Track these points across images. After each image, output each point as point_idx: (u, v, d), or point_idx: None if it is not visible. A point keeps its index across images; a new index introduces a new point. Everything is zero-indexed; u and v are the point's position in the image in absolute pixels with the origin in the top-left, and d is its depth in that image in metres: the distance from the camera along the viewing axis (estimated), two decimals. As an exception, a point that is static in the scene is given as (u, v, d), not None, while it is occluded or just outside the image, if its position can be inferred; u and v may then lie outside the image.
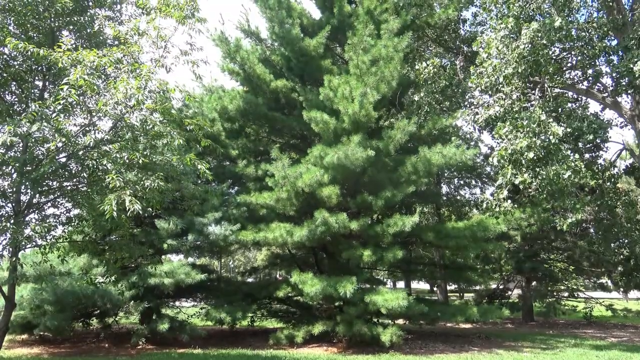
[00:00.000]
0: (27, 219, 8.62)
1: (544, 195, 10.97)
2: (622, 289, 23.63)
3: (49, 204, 9.17)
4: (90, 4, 9.55)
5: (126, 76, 7.42)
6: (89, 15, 9.49)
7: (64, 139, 7.20)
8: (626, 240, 18.15)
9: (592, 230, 20.10)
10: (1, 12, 8.36)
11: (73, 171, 8.59)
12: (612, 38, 12.26)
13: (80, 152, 7.83)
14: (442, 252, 21.63)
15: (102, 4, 9.65)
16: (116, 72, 7.71)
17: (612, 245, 19.22)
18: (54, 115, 7.21)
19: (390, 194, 12.90)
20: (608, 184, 13.24)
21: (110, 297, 12.45)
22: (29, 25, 8.68)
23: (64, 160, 8.26)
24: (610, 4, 11.89)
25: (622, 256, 19.81)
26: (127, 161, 7.49)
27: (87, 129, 8.04)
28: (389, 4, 14.57)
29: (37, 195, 8.62)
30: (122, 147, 7.52)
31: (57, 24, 9.08)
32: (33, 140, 7.23)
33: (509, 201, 11.18)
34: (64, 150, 7.90)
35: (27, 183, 7.90)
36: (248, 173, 15.07)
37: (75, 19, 9.23)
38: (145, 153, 7.69)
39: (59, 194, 8.99)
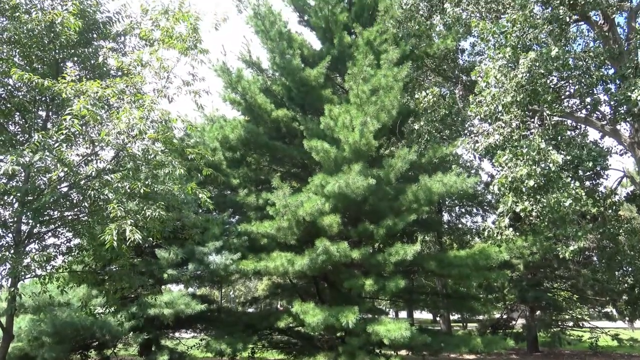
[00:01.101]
0: (27, 249, 8.60)
1: (546, 223, 10.93)
2: (627, 319, 23.28)
3: (50, 234, 9.16)
4: (95, 36, 9.72)
5: (129, 106, 7.50)
6: (93, 47, 9.66)
7: (65, 169, 7.24)
8: (630, 269, 17.98)
9: (595, 259, 19.94)
10: (7, 44, 8.51)
11: (74, 201, 8.61)
12: (609, 67, 12.38)
13: (82, 182, 7.86)
14: (444, 281, 21.41)
15: (107, 36, 9.82)
16: (119, 102, 7.80)
17: (616, 273, 19.04)
18: (57, 145, 7.26)
19: (391, 222, 12.86)
20: (609, 211, 13.20)
21: (110, 328, 12.31)
22: (33, 57, 8.82)
23: (65, 189, 8.28)
24: (606, 34, 12.06)
25: (626, 284, 19.59)
26: (129, 191, 7.51)
27: (89, 158, 8.09)
28: (388, 34, 14.79)
29: (38, 225, 8.62)
30: (124, 176, 7.56)
31: (61, 56, 9.22)
32: (35, 170, 7.26)
33: (511, 229, 11.12)
34: (65, 180, 7.94)
35: (29, 213, 7.91)
36: (249, 202, 15.07)
37: (80, 50, 9.39)
38: (146, 182, 7.72)
39: (59, 223, 8.99)
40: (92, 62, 9.53)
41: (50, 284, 9.16)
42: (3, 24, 8.48)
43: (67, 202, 8.51)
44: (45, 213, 8.37)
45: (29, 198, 7.89)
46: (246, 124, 15.36)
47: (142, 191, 7.50)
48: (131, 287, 10.22)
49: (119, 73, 9.13)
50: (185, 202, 10.26)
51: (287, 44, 15.28)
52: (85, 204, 8.51)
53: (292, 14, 17.66)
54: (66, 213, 8.91)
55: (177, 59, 8.61)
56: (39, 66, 8.97)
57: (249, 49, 17.00)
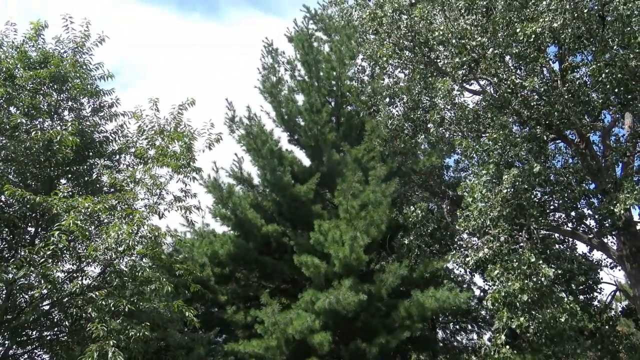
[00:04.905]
0: (-1, 373, 8.12)
1: (543, 340, 10.62)
2: None
3: (26, 356, 8.70)
4: (91, 154, 10.00)
5: (119, 222, 7.52)
6: (88, 164, 9.88)
7: (49, 286, 7.07)
8: (636, 389, 17.14)
9: (599, 378, 19.03)
10: (3, 161, 8.69)
11: (55, 319, 8.31)
12: (590, 182, 12.79)
13: (65, 300, 7.64)
14: (443, 405, 20.17)
15: (102, 154, 10.11)
16: (110, 217, 7.83)
17: (623, 394, 18.10)
18: (42, 261, 7.15)
19: (384, 340, 12.41)
20: (607, 327, 12.90)
21: None
22: (28, 174, 8.97)
23: (47, 307, 8.02)
24: (583, 151, 12.60)
25: (634, 407, 18.55)
26: (113, 309, 7.29)
27: (75, 275, 7.93)
28: (375, 152, 15.34)
29: (14, 347, 8.20)
30: (109, 293, 7.38)
31: (56, 173, 9.40)
32: (18, 287, 7.09)
33: (508, 347, 10.76)
34: (48, 297, 7.72)
35: (6, 333, 7.58)
36: (237, 320, 14.57)
37: (75, 168, 9.59)
38: (132, 300, 7.53)
39: (37, 344, 8.57)
40: (86, 178, 9.70)
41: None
42: (2, 143, 8.73)
43: (48, 321, 8.21)
44: (24, 333, 8.02)
45: (7, 317, 7.60)
46: (236, 239, 15.30)
47: (126, 309, 7.28)
48: (107, 415, 9.50)
49: (112, 189, 9.26)
50: (170, 320, 9.90)
51: (278, 161, 15.72)
52: (67, 323, 8.20)
53: (282, 133, 18.37)
54: (45, 333, 8.55)
55: (169, 176, 8.81)
56: (33, 183, 9.09)
57: (240, 166, 17.41)
